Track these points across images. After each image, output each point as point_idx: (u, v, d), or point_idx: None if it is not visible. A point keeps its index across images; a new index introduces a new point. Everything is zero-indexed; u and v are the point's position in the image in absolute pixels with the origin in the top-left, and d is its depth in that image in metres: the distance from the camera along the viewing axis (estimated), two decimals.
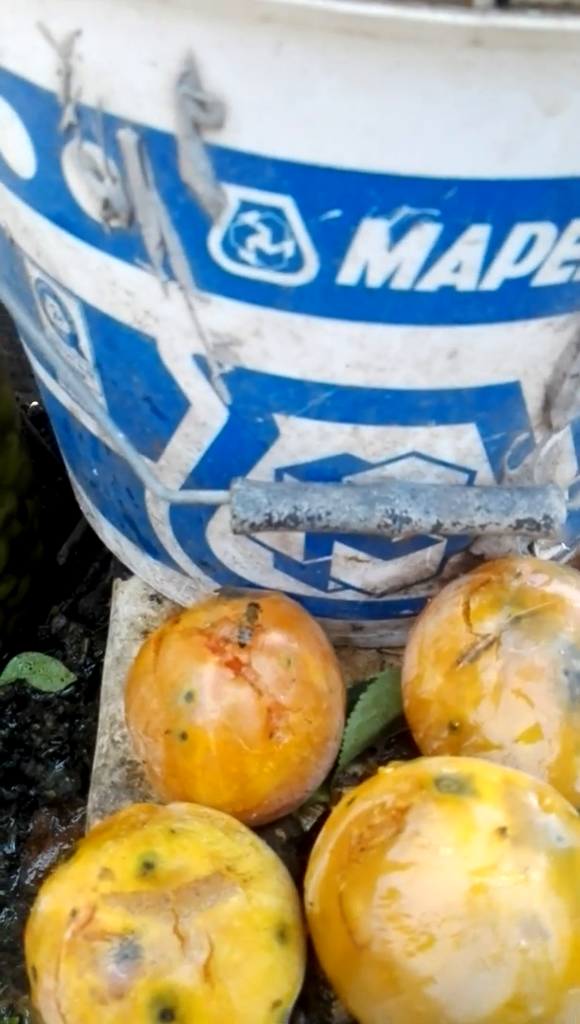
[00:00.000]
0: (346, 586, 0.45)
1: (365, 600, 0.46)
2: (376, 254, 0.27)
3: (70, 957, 0.32)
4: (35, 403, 0.81)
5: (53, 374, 0.43)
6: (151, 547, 0.49)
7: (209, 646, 0.40)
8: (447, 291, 0.28)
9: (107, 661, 0.53)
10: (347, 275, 0.28)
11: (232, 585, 0.47)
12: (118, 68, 0.25)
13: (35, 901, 0.36)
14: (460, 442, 0.35)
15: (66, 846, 0.59)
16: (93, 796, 0.47)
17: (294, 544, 0.42)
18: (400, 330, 0.30)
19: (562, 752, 0.37)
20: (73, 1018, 0.32)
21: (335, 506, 0.36)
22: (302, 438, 0.35)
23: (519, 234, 0.27)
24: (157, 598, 0.55)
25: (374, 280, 0.28)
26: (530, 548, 0.45)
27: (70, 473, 0.56)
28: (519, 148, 0.25)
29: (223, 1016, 0.32)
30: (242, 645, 0.40)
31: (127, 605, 0.55)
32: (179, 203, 0.28)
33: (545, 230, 0.27)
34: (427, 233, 0.27)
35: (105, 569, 0.71)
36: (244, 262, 0.29)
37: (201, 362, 0.33)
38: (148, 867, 0.34)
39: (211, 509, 0.42)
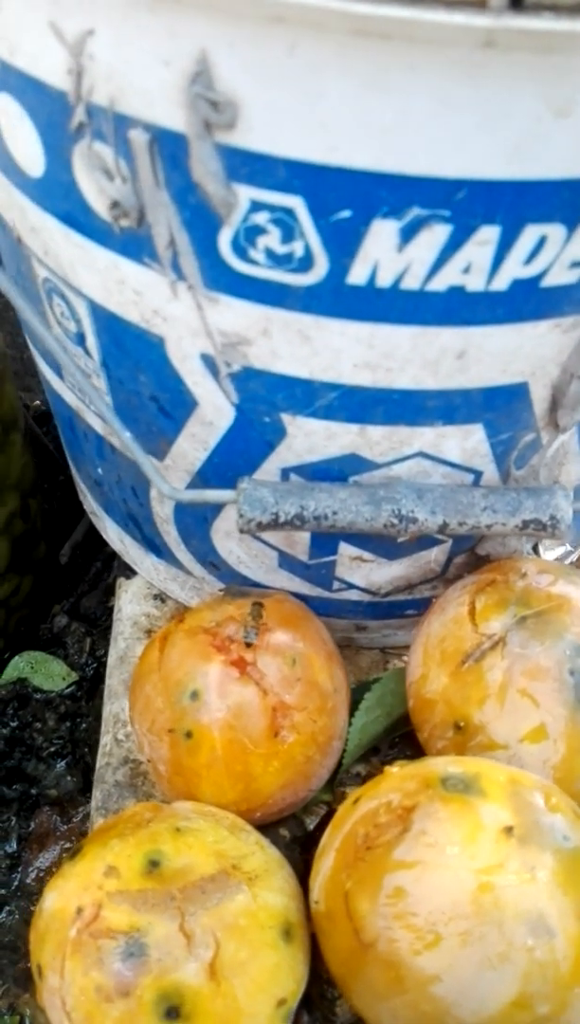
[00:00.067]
0: (351, 586, 0.45)
1: (369, 600, 0.46)
2: (386, 254, 0.27)
3: (76, 955, 0.33)
4: (37, 402, 0.81)
5: (59, 373, 0.43)
6: (155, 546, 0.49)
7: (214, 645, 0.40)
8: (456, 292, 0.29)
9: (110, 660, 0.53)
10: (357, 275, 0.28)
11: (236, 584, 0.47)
12: (130, 67, 0.25)
13: (40, 899, 0.36)
14: (467, 442, 0.35)
15: (67, 845, 0.59)
16: (96, 795, 0.47)
17: (299, 544, 0.42)
18: (409, 330, 0.30)
19: (567, 752, 0.37)
20: (78, 1016, 0.32)
21: (341, 506, 0.36)
22: (309, 438, 0.36)
23: (529, 235, 0.27)
24: (161, 597, 0.55)
25: (384, 280, 0.28)
26: (535, 549, 0.45)
27: (74, 472, 0.56)
28: (530, 149, 0.25)
29: (228, 1014, 0.32)
30: (248, 645, 0.40)
31: (130, 604, 0.55)
32: (189, 203, 0.28)
33: (555, 231, 0.27)
34: (437, 234, 0.27)
35: (107, 568, 0.71)
36: (254, 262, 0.29)
37: (209, 362, 0.34)
38: (154, 865, 0.34)
39: (217, 508, 0.42)
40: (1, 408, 0.54)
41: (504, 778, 0.33)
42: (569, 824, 0.32)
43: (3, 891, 0.57)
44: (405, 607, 0.47)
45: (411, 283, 0.28)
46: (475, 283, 0.28)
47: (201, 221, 0.28)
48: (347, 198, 0.26)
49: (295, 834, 0.45)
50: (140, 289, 0.32)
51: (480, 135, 0.24)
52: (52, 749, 0.63)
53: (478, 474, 0.38)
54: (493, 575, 0.42)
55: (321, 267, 0.28)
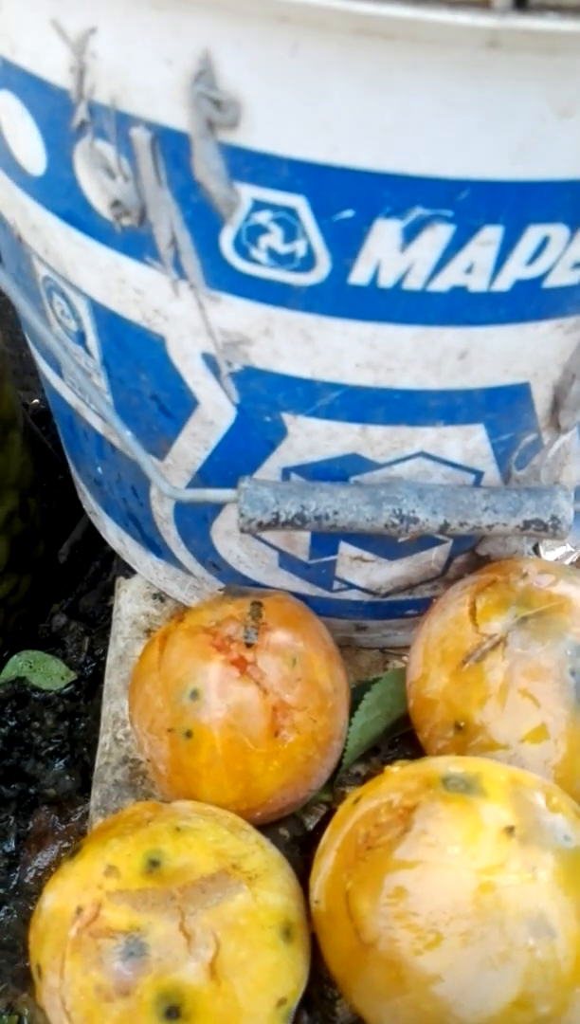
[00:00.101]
0: (351, 586, 0.45)
1: (370, 600, 0.46)
2: (389, 254, 0.27)
3: (75, 954, 0.32)
4: (36, 401, 0.81)
5: (59, 372, 0.43)
6: (155, 546, 0.49)
7: (214, 644, 0.40)
8: (459, 292, 0.29)
9: (109, 659, 0.53)
10: (359, 275, 0.28)
11: (236, 584, 0.47)
12: (133, 66, 0.25)
13: (39, 898, 0.36)
14: (468, 443, 0.35)
15: (66, 844, 0.59)
16: (95, 794, 0.47)
17: (300, 543, 0.42)
18: (411, 330, 0.30)
19: (568, 752, 0.37)
20: (78, 1016, 0.32)
21: (342, 506, 0.36)
22: (310, 437, 0.36)
23: (532, 236, 0.27)
24: (160, 597, 0.55)
25: (386, 280, 0.28)
26: (535, 549, 0.45)
27: (73, 471, 0.56)
28: (533, 150, 0.25)
29: (229, 1014, 0.32)
30: (248, 645, 0.40)
31: (130, 603, 0.55)
32: (191, 202, 0.28)
33: (558, 232, 0.27)
34: (440, 234, 0.27)
35: (106, 568, 0.71)
36: (256, 261, 0.29)
37: (210, 361, 0.33)
38: (154, 865, 0.34)
39: (217, 508, 0.42)
40: (0, 407, 0.54)
41: (505, 778, 0.33)
42: (570, 824, 0.32)
43: (1, 890, 0.57)
44: (405, 607, 0.47)
45: (414, 283, 0.28)
46: (478, 283, 0.28)
47: (203, 220, 0.28)
48: (350, 198, 0.26)
49: (295, 834, 0.45)
50: (141, 288, 0.32)
51: (484, 135, 0.24)
52: (51, 748, 0.63)
53: (479, 474, 0.38)
54: (494, 575, 0.42)
55: (323, 267, 0.28)
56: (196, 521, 0.44)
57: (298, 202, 0.27)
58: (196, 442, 0.38)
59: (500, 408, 0.34)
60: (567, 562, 0.50)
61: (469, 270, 0.28)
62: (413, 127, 0.24)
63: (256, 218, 0.27)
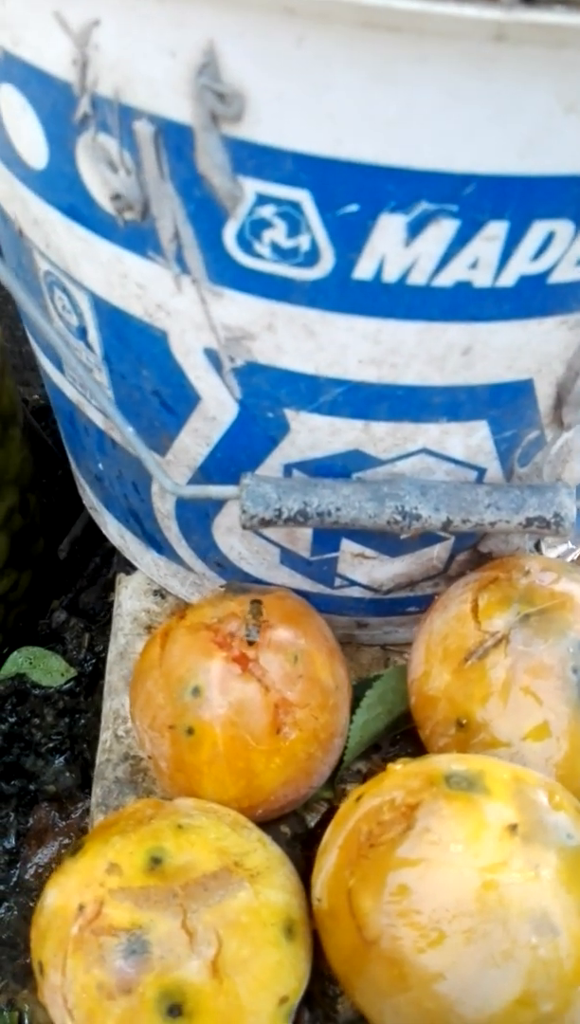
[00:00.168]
0: (352, 583, 0.45)
1: (371, 597, 0.46)
2: (393, 249, 0.27)
3: (77, 952, 0.32)
4: (36, 396, 0.81)
5: (60, 367, 0.43)
6: (156, 542, 0.49)
7: (216, 641, 0.40)
8: (463, 287, 0.28)
9: (110, 656, 0.53)
10: (363, 270, 0.28)
11: (238, 581, 0.46)
12: (136, 58, 0.25)
13: (41, 896, 0.36)
14: (471, 439, 0.35)
15: (66, 841, 0.59)
16: (96, 791, 0.47)
17: (301, 540, 0.42)
18: (415, 326, 0.30)
19: (570, 750, 0.37)
20: (80, 1013, 0.32)
21: (345, 502, 0.35)
22: (312, 434, 0.35)
23: (537, 231, 0.27)
24: (161, 593, 0.55)
25: (390, 275, 0.28)
26: (537, 546, 0.45)
27: (73, 467, 0.56)
28: (539, 144, 0.24)
29: (231, 1012, 0.32)
30: (250, 643, 0.39)
31: (130, 600, 0.55)
32: (195, 196, 0.28)
33: (563, 227, 0.27)
34: (445, 229, 0.26)
35: (106, 564, 0.71)
36: (259, 256, 0.29)
37: (212, 356, 0.33)
38: (156, 862, 0.34)
39: (218, 504, 0.42)
40: (0, 402, 0.54)
41: (508, 776, 0.33)
42: (573, 822, 0.32)
43: (2, 887, 0.57)
44: (407, 604, 0.47)
45: (418, 278, 0.28)
46: (482, 279, 0.28)
47: (206, 214, 0.28)
48: (354, 192, 0.26)
49: (296, 831, 0.45)
50: (143, 283, 0.32)
51: (491, 129, 0.24)
52: (51, 745, 0.63)
53: (482, 471, 0.37)
54: (496, 572, 0.41)
55: (327, 261, 0.28)
56: (197, 517, 0.44)
57: (302, 196, 0.26)
58: (198, 438, 0.38)
59: (503, 405, 0.34)
60: (569, 559, 0.50)
61: (474, 265, 0.28)
62: (418, 120, 0.24)
63: (260, 212, 0.27)
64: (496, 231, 0.27)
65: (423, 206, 0.26)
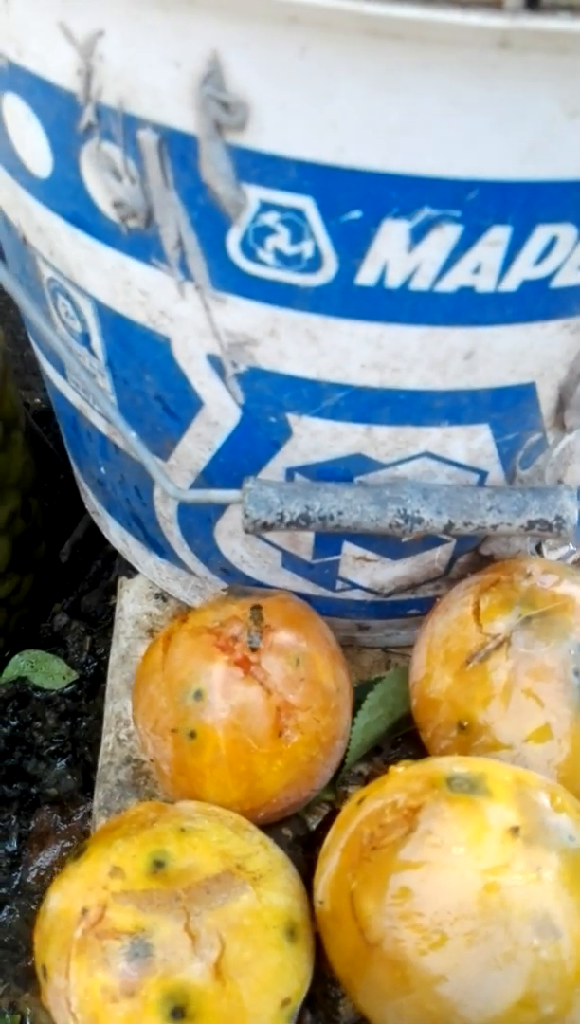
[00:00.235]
0: (354, 586, 0.45)
1: (372, 600, 0.46)
2: (396, 255, 0.27)
3: (81, 955, 0.33)
4: (38, 400, 0.81)
5: (63, 372, 0.43)
6: (158, 546, 0.49)
7: (218, 645, 0.40)
8: (466, 292, 0.29)
9: (112, 659, 0.53)
10: (366, 276, 0.28)
11: (239, 584, 0.47)
12: (140, 68, 0.25)
13: (42, 898, 0.36)
14: (473, 443, 0.35)
15: (68, 844, 0.59)
16: (98, 794, 0.47)
17: (303, 544, 0.42)
18: (418, 331, 0.30)
19: (572, 752, 0.37)
20: (84, 1016, 0.32)
21: (347, 506, 0.36)
22: (315, 438, 0.36)
23: (540, 236, 0.27)
24: (162, 597, 0.55)
25: (393, 281, 0.28)
26: (538, 549, 0.45)
27: (76, 471, 0.56)
28: (542, 150, 0.25)
29: (233, 1014, 0.32)
30: (253, 649, 0.40)
31: (132, 603, 0.55)
32: (198, 204, 0.28)
33: (566, 232, 0.27)
34: (448, 234, 0.27)
35: (107, 567, 0.71)
36: (262, 262, 0.29)
37: (215, 362, 0.33)
38: (158, 865, 0.34)
39: (220, 508, 0.42)
40: (2, 407, 0.54)
41: (510, 778, 0.33)
42: (574, 824, 0.32)
43: (3, 890, 0.57)
44: (408, 607, 0.48)
45: (421, 283, 0.28)
46: (485, 283, 0.28)
47: (210, 222, 0.28)
48: (357, 199, 0.26)
49: (298, 834, 0.45)
50: (147, 289, 0.32)
51: (493, 135, 0.24)
52: (52, 748, 0.63)
53: (483, 474, 0.38)
54: (497, 575, 0.42)
55: (330, 268, 0.28)
56: (199, 521, 0.44)
57: (305, 203, 0.27)
58: (200, 443, 0.38)
59: (505, 408, 0.34)
60: (570, 562, 0.50)
61: (476, 270, 0.28)
62: (421, 128, 0.24)
63: (263, 219, 0.27)
64: (499, 236, 0.27)
65: (426, 212, 0.26)
